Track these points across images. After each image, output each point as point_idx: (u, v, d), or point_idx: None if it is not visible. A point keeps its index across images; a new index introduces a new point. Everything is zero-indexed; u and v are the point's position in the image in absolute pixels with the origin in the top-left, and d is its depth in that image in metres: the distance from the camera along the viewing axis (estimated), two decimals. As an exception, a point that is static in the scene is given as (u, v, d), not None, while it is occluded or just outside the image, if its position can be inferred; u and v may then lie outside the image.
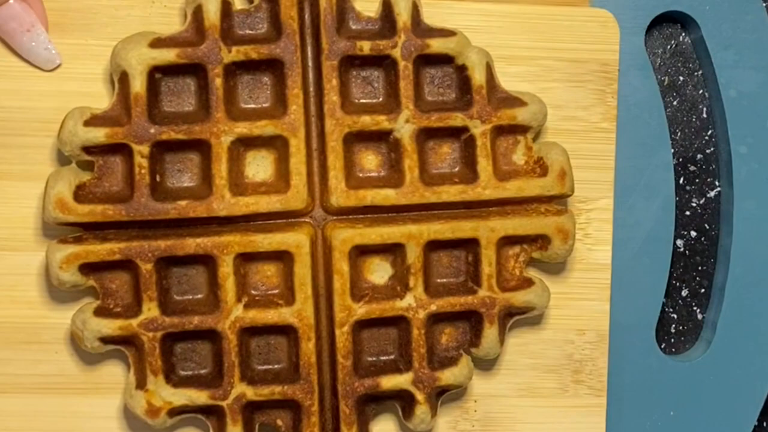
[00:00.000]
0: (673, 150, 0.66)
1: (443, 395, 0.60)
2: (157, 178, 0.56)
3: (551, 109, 0.61)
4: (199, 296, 0.57)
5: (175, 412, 0.56)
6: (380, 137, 0.58)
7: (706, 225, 0.67)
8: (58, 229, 0.57)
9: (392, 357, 0.59)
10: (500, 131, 0.58)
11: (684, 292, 0.67)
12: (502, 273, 0.59)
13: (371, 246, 0.58)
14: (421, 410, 0.58)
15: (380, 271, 0.59)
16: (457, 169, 0.59)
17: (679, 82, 0.67)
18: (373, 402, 0.59)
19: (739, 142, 0.66)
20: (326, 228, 0.58)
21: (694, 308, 0.67)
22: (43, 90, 0.58)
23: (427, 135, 0.58)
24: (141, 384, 0.56)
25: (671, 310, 0.67)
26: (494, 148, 0.58)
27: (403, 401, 0.59)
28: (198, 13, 0.56)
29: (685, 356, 0.67)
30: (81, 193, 0.55)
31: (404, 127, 0.57)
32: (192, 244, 0.56)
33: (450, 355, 0.59)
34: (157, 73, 0.56)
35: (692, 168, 0.67)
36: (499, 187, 0.58)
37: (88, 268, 0.56)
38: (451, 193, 0.57)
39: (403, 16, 0.57)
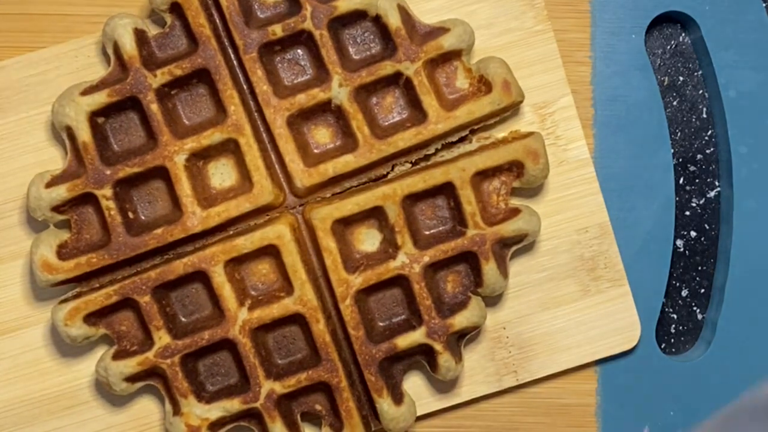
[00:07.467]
0: (673, 150, 0.66)
1: (464, 339, 0.60)
2: (130, 215, 0.58)
3: (483, 29, 0.62)
4: (206, 312, 0.59)
5: (215, 426, 0.58)
6: (323, 110, 0.59)
7: (706, 225, 0.67)
8: (57, 293, 0.59)
9: (404, 317, 0.60)
10: (434, 64, 0.59)
11: (684, 292, 0.67)
12: (488, 210, 0.59)
13: (352, 217, 0.59)
14: (444, 359, 0.59)
15: (370, 239, 0.60)
16: (406, 114, 0.60)
17: (679, 82, 0.66)
18: (399, 363, 0.60)
19: (739, 142, 0.65)
20: (305, 211, 0.59)
21: (694, 308, 0.67)
22: (4, 171, 0.60)
23: (366, 92, 0.59)
24: (176, 410, 0.58)
25: (671, 310, 0.67)
26: (435, 82, 0.59)
27: (427, 356, 0.60)
28: (117, 49, 0.57)
29: (685, 356, 0.66)
30: (64, 251, 0.57)
31: (340, 91, 0.58)
32: (180, 265, 0.57)
33: (459, 300, 0.60)
34: (99, 118, 0.58)
35: (692, 168, 0.66)
36: (450, 117, 0.58)
37: (94, 318, 0.58)
38: (406, 138, 0.58)
39: (303, -13, 0.58)
